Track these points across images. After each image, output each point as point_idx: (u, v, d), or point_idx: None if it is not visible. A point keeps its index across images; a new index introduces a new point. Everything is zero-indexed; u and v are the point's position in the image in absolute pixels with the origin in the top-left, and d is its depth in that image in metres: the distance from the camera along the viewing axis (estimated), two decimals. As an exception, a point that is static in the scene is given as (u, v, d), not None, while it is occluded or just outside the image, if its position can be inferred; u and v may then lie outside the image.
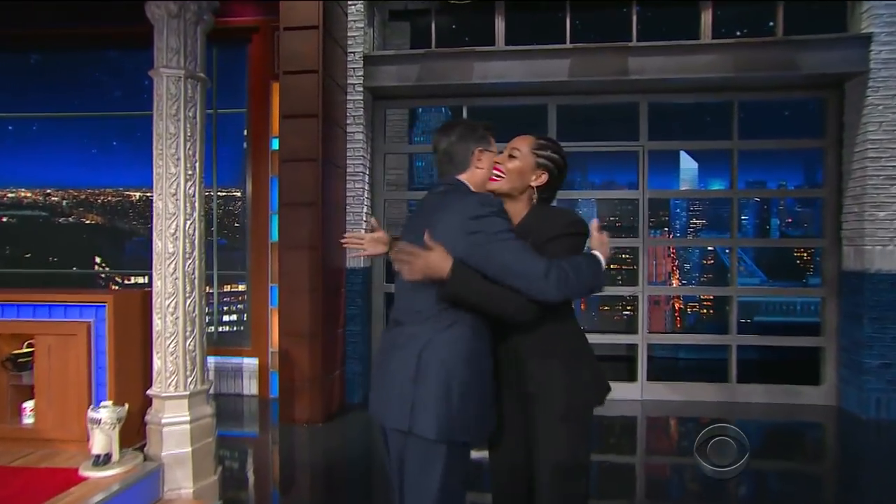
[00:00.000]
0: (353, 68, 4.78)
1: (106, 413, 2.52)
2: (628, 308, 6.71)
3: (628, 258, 7.33)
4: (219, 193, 5.15)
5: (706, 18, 4.60)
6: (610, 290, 5.45)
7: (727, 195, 4.94)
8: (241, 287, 5.17)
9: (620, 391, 4.76)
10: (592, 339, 1.86)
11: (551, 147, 1.76)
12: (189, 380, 2.75)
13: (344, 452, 3.89)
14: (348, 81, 4.78)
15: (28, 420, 2.90)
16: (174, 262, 2.71)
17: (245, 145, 5.07)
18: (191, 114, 2.76)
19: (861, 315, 4.34)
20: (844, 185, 4.57)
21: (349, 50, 4.77)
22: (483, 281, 1.51)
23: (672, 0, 4.81)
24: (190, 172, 2.76)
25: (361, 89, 4.78)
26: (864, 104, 4.34)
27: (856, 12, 4.47)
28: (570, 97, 4.91)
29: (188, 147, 2.75)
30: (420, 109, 5.80)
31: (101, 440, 2.52)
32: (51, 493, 2.26)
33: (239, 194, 5.18)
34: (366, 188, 4.88)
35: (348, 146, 4.80)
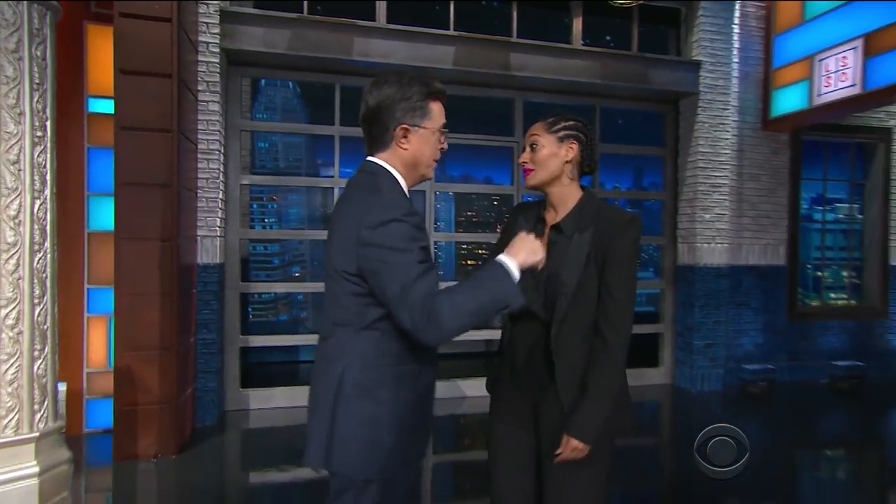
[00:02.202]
0: (207, 23, 4.21)
1: None
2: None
3: (485, 253, 7.85)
4: None
5: (577, 25, 5.18)
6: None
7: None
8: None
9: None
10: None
11: (563, 118, 1.69)
12: (38, 416, 2.18)
13: (220, 486, 3.45)
14: (200, 38, 4.20)
15: None
16: (16, 256, 2.12)
17: (45, 103, 4.09)
18: (39, 53, 2.19)
19: (693, 303, 5.37)
20: (679, 190, 5.58)
21: (201, 0, 4.20)
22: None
23: (548, 2, 5.27)
24: (39, 134, 2.19)
25: (217, 50, 4.25)
26: (695, 121, 5.36)
27: (689, 40, 5.48)
28: (450, 86, 5.04)
29: (36, 99, 2.17)
30: (263, 82, 5.39)
31: None
32: None
33: (35, 168, 4.15)
34: (221, 169, 4.36)
35: (200, 117, 4.22)
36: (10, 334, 2.10)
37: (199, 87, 4.21)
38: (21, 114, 2.11)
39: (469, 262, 7.59)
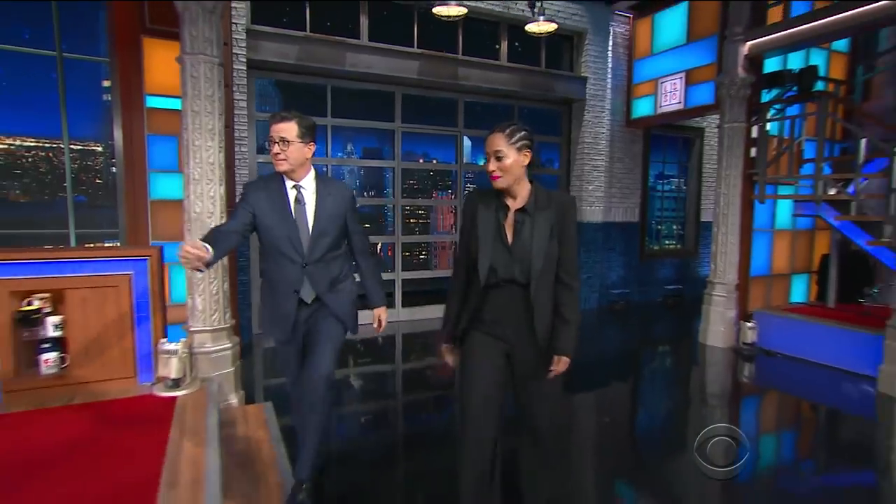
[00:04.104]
0: (237, 39, 5.29)
1: (181, 345, 3.19)
2: (423, 253, 8.85)
3: (423, 213, 9.42)
4: (72, 146, 4.95)
5: (504, 46, 6.78)
6: (413, 238, 7.32)
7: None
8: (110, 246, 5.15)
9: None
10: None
11: (517, 127, 1.97)
12: (227, 315, 3.54)
13: (279, 377, 4.86)
14: (233, 51, 5.27)
15: (49, 370, 3.11)
16: (213, 221, 3.42)
17: (108, 98, 5.00)
18: (219, 94, 3.45)
19: (579, 249, 7.39)
20: (571, 168, 7.52)
21: (232, 20, 5.24)
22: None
23: (484, 28, 6.79)
24: (221, 146, 3.46)
25: (244, 59, 5.35)
26: (583, 120, 7.26)
27: (579, 60, 7.31)
28: (413, 89, 6.48)
29: (220, 124, 3.44)
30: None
31: (178, 367, 3.17)
32: (162, 412, 2.82)
33: (100, 149, 5.07)
34: (248, 151, 5.52)
35: (234, 112, 5.33)
36: (213, 267, 3.42)
37: (234, 89, 5.31)
38: (213, 134, 3.38)
39: (411, 220, 9.18)
